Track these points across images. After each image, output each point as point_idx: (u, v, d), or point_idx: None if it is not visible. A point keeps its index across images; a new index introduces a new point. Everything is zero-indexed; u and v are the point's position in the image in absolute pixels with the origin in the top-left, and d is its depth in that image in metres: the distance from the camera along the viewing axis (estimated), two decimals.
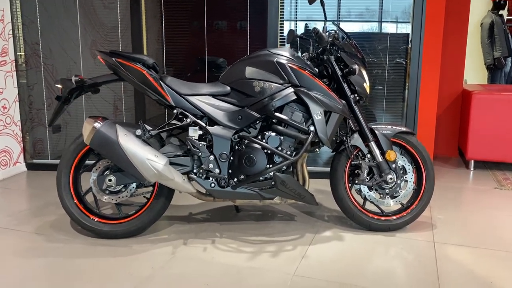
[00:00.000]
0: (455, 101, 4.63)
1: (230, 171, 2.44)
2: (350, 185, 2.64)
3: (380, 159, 2.53)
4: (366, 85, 2.57)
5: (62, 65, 3.98)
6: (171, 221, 2.76)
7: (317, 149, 2.52)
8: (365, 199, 2.63)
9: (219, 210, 2.94)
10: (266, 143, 2.39)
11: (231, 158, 2.44)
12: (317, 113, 2.38)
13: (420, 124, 3.65)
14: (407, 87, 3.65)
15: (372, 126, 2.57)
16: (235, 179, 2.43)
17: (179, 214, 2.88)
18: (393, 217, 2.62)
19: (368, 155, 2.57)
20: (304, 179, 2.58)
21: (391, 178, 2.53)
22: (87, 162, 2.55)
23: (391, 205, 2.61)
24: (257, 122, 2.46)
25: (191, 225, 2.69)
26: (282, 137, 2.40)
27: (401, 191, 2.59)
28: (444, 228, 2.68)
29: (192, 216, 2.86)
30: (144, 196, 2.56)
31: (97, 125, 2.28)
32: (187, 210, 2.97)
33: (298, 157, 2.37)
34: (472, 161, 4.14)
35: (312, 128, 2.39)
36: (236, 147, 2.45)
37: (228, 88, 2.48)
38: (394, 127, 2.58)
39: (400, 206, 2.67)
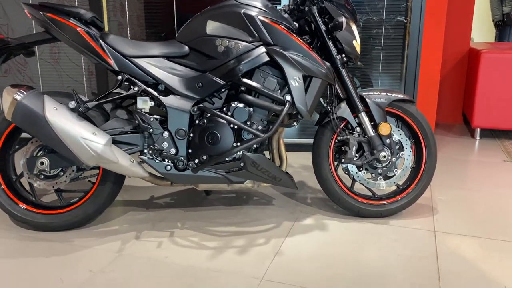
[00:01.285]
0: (460, 62, 4.15)
1: (189, 150, 2.02)
2: (336, 164, 2.22)
3: (372, 133, 2.10)
4: (356, 43, 2.10)
5: (21, 25, 3.50)
6: (127, 207, 2.36)
7: (294, 123, 2.08)
8: (353, 180, 2.22)
9: (186, 193, 2.54)
10: (232, 116, 1.95)
11: (191, 135, 2.01)
12: (295, 79, 1.93)
13: (421, 88, 3.19)
14: (406, 46, 3.17)
15: (363, 94, 2.12)
16: (196, 161, 2.01)
17: (138, 198, 2.48)
18: (386, 202, 2.21)
19: (358, 129, 2.14)
20: (281, 158, 2.16)
21: (384, 156, 2.10)
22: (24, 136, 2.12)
23: (385, 187, 2.20)
24: (222, 90, 2.01)
25: (150, 213, 2.29)
26: (251, 109, 1.96)
27: (396, 171, 2.18)
28: (447, 213, 2.28)
29: (153, 200, 2.46)
30: (89, 181, 2.14)
31: (18, 96, 1.83)
32: (149, 192, 2.56)
33: (270, 133, 1.94)
34: (478, 129, 3.71)
35: (288, 97, 1.94)
36: (197, 122, 2.01)
37: (186, 48, 2.01)
38: (389, 94, 2.14)
39: (395, 188, 2.26)
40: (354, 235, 2.05)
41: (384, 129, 2.08)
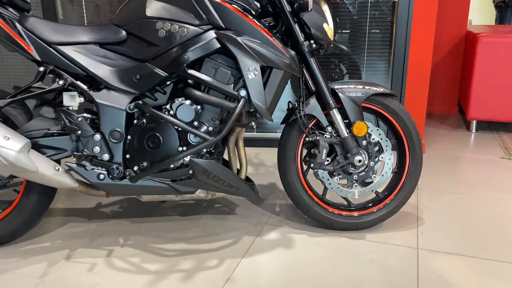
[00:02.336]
0: (457, 46, 3.80)
1: (127, 156, 1.70)
2: (305, 168, 1.91)
3: (346, 134, 1.78)
4: (328, 27, 1.77)
5: None
6: (67, 218, 2.05)
7: (253, 123, 1.75)
8: (325, 188, 1.91)
9: (137, 200, 2.23)
10: (175, 115, 1.63)
11: (128, 137, 1.69)
12: (250, 70, 1.60)
13: (411, 77, 2.86)
14: (395, 30, 2.83)
15: (335, 87, 1.80)
16: (135, 168, 1.70)
17: (82, 206, 2.17)
18: (363, 212, 1.90)
19: (329, 128, 1.82)
20: (240, 163, 1.85)
21: (360, 161, 1.79)
22: None
23: (361, 195, 1.89)
24: (167, 83, 1.69)
25: (91, 225, 1.99)
26: (199, 107, 1.64)
27: (374, 177, 1.86)
28: (433, 224, 1.97)
29: (98, 209, 2.15)
30: (14, 190, 1.83)
31: None
32: (96, 199, 2.25)
33: (220, 136, 1.62)
34: (474, 121, 3.39)
35: (243, 92, 1.62)
36: (135, 122, 1.69)
37: (123, 33, 1.68)
38: (366, 87, 1.81)
39: (373, 196, 1.95)
40: (324, 253, 1.74)
41: (359, 129, 1.76)
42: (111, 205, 2.18)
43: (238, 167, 1.86)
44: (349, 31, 2.97)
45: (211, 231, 1.92)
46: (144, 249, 1.78)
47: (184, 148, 1.66)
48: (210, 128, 1.67)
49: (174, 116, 1.62)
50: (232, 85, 1.64)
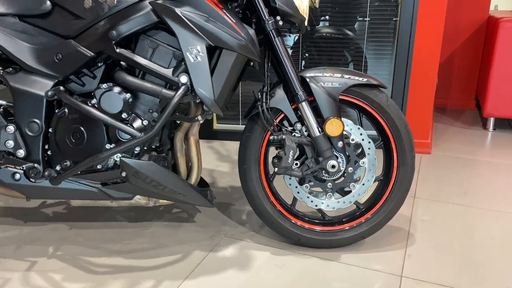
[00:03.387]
0: (477, 33, 3.39)
1: (48, 153, 1.41)
2: (271, 173, 1.59)
3: (317, 133, 1.45)
4: (300, 0, 1.43)
5: None
6: (2, 219, 1.79)
7: (199, 117, 1.43)
8: (294, 198, 1.58)
9: None
10: (99, 105, 1.32)
11: (49, 130, 1.40)
12: (193, 51, 1.28)
13: (416, 66, 2.49)
14: (399, 11, 2.46)
15: (306, 75, 1.47)
16: (58, 167, 1.41)
17: (23, 205, 1.90)
18: (340, 227, 1.58)
19: (298, 125, 1.49)
20: (191, 164, 1.54)
21: (333, 166, 1.46)
22: None
23: (336, 207, 1.56)
24: (99, 65, 1.39)
25: (25, 229, 1.72)
26: (128, 95, 1.33)
27: (354, 186, 1.53)
28: (427, 244, 1.63)
29: (41, 209, 1.88)
30: None
31: None
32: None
33: (151, 133, 1.30)
34: (491, 118, 2.99)
35: (184, 78, 1.30)
36: (56, 112, 1.40)
37: (48, 3, 1.38)
38: (346, 76, 1.47)
39: (354, 208, 1.62)
40: (286, 277, 1.43)
41: (332, 127, 1.43)
42: (54, 205, 1.91)
43: (185, 171, 1.55)
44: (346, 11, 2.61)
45: (158, 243, 1.62)
46: (72, 262, 1.50)
47: (112, 146, 1.36)
48: (145, 122, 1.36)
49: (98, 106, 1.32)
50: (174, 69, 1.32)
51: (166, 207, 1.89)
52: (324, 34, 2.74)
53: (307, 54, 2.78)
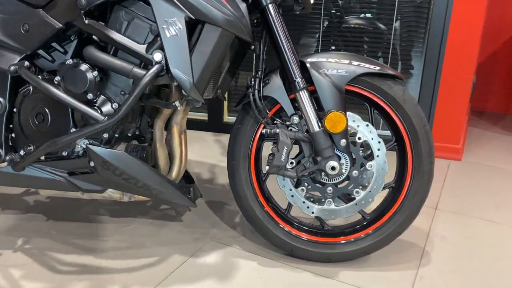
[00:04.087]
0: None
1: (12, 135, 1.27)
2: (263, 171, 1.40)
3: (316, 128, 1.24)
4: None
5: None
6: None
7: (176, 103, 1.24)
8: (289, 203, 1.38)
9: None
10: (62, 83, 1.16)
11: (14, 110, 1.26)
12: (170, 24, 1.10)
13: (449, 62, 2.21)
14: (431, 8, 2.19)
15: (307, 60, 1.25)
16: (22, 152, 1.26)
17: (8, 192, 1.79)
18: (341, 239, 1.36)
19: (296, 119, 1.28)
20: (173, 157, 1.36)
21: (333, 168, 1.24)
22: None
23: (337, 216, 1.34)
24: (71, 39, 1.23)
25: (1, 216, 1.59)
26: (96, 73, 1.16)
27: (359, 192, 1.31)
28: (443, 265, 1.39)
29: (22, 197, 1.76)
30: None
31: None
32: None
33: (116, 118, 1.13)
34: None
35: (158, 55, 1.12)
36: (20, 90, 1.25)
37: None
38: (355, 62, 1.25)
39: (359, 218, 1.39)
40: None
41: (333, 122, 1.22)
42: (37, 193, 1.78)
43: (165, 165, 1.37)
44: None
45: (136, 243, 1.46)
46: (38, 258, 1.36)
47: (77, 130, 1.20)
48: (115, 106, 1.19)
49: (61, 84, 1.15)
50: (147, 45, 1.15)
51: (155, 203, 1.72)
52: (352, 26, 2.50)
53: (333, 47, 2.56)
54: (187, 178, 1.48)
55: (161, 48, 1.11)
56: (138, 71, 1.13)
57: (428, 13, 2.25)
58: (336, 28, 2.47)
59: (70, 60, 1.15)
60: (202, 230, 1.54)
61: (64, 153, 1.23)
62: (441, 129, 2.30)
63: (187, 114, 1.41)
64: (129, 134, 1.31)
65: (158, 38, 1.12)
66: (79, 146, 1.24)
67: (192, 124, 2.68)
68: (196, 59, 1.12)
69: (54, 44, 1.22)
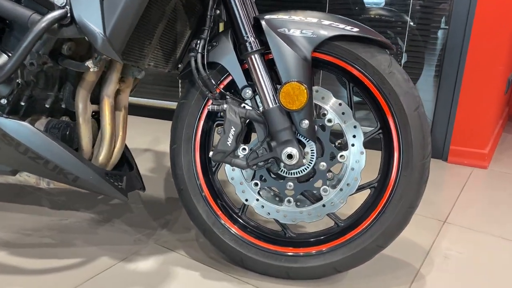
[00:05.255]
0: None
1: None
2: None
3: (271, 104, 0.96)
4: None
5: None
6: None
7: (88, 63, 0.98)
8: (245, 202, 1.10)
9: None
10: None
11: None
12: None
13: (475, 58, 1.87)
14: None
15: (265, 17, 0.98)
16: None
17: None
18: (305, 250, 1.06)
19: (248, 92, 1.01)
20: (101, 136, 1.12)
21: (290, 156, 0.96)
22: None
23: (298, 220, 1.05)
24: None
25: None
26: None
27: (327, 190, 1.01)
28: None
29: None
30: None
31: None
32: None
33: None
34: None
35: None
36: None
37: None
38: (326, 22, 0.97)
39: (332, 225, 1.09)
40: None
41: (290, 96, 0.93)
42: None
43: (88, 144, 1.12)
44: None
45: (65, 240, 1.22)
46: None
47: None
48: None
49: None
50: None
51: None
52: (372, 16, 2.21)
53: None
54: (128, 164, 1.23)
55: None
56: (36, 17, 0.89)
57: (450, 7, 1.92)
58: (353, 18, 2.18)
59: None
60: (148, 230, 1.29)
61: None
62: (463, 131, 1.95)
63: (129, 87, 1.16)
64: (47, 106, 1.07)
65: None
66: None
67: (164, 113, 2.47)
68: (110, 3, 0.87)
69: None
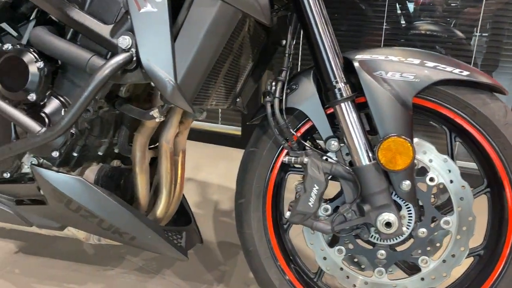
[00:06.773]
0: None
1: None
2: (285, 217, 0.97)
3: (366, 161, 0.81)
4: None
5: None
6: None
7: (153, 112, 0.84)
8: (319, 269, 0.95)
9: None
10: None
11: None
12: None
13: None
14: None
15: (357, 57, 0.83)
16: None
17: None
18: None
19: (334, 145, 0.86)
20: (159, 187, 0.98)
21: (389, 224, 0.80)
22: None
23: None
24: (29, 20, 0.90)
25: None
26: (40, 65, 0.81)
27: (427, 261, 0.86)
28: None
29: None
30: None
31: None
32: None
33: (56, 131, 0.76)
34: None
35: (125, 40, 0.75)
36: None
37: None
38: (429, 64, 0.81)
39: None
40: None
41: (393, 153, 0.78)
42: None
43: (144, 199, 0.99)
44: None
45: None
46: None
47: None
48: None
49: None
50: (113, 25, 0.78)
51: None
52: (423, 32, 2.04)
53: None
54: (183, 215, 1.10)
55: (131, 30, 0.74)
56: (96, 61, 0.76)
57: None
58: (401, 33, 2.02)
59: (8, 45, 0.81)
60: (204, 286, 1.15)
61: (6, 175, 0.89)
62: None
63: (187, 129, 1.03)
64: (100, 153, 0.95)
65: (128, 16, 0.75)
66: (26, 167, 0.89)
67: (223, 139, 2.32)
68: (182, 46, 0.74)
69: (5, 25, 0.89)
